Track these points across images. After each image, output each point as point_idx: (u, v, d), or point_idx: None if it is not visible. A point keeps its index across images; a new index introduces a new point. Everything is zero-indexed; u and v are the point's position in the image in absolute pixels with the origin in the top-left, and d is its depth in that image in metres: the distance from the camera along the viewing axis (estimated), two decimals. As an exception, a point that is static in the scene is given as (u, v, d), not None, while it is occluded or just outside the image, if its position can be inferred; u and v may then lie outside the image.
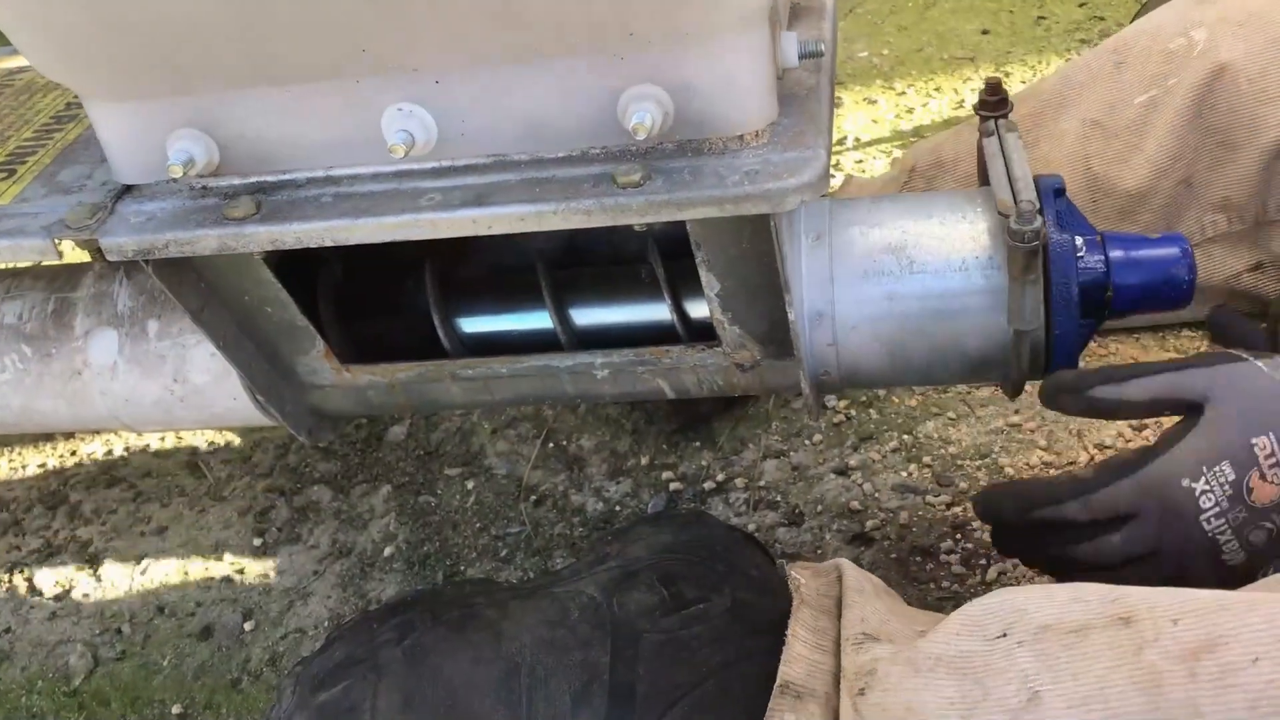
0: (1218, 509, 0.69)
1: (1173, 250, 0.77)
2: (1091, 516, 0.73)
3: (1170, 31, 1.07)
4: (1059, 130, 1.13)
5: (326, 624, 1.04)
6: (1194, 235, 1.09)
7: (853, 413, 1.16)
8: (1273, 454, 0.67)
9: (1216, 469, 0.68)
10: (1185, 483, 0.69)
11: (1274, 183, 1.04)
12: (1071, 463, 1.05)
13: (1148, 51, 1.08)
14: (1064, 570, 0.76)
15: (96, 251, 0.72)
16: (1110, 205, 1.09)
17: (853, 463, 1.10)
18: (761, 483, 1.10)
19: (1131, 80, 1.08)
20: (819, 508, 1.07)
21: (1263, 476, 0.67)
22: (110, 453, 1.28)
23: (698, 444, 1.16)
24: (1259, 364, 0.71)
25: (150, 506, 1.21)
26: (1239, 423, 0.68)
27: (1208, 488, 0.68)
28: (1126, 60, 1.09)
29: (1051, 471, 1.05)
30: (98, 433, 1.30)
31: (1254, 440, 0.68)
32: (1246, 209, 1.06)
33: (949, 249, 0.76)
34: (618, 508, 1.11)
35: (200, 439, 1.28)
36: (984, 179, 0.81)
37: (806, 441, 1.14)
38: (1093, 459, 1.05)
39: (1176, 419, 0.73)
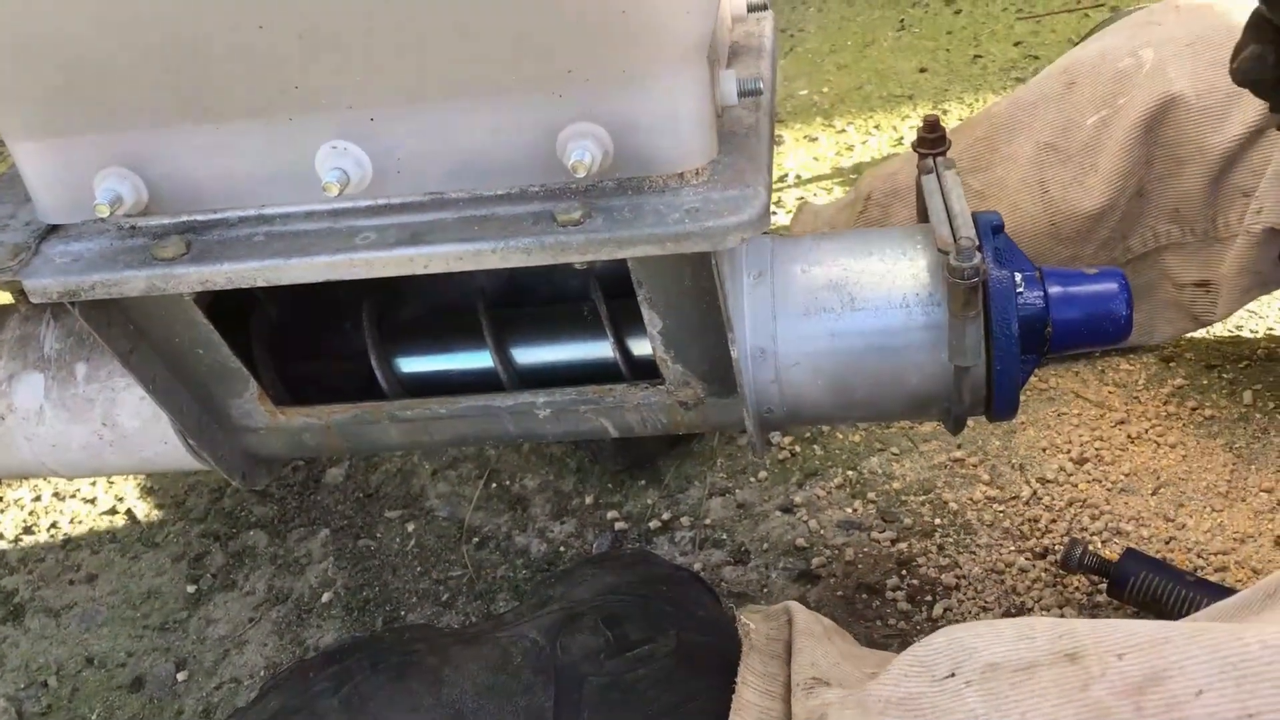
0: None
1: (1110, 286, 0.78)
2: None
3: (1119, 52, 1.09)
4: (1013, 153, 1.14)
5: (262, 673, 1.02)
6: (1148, 242, 1.11)
7: (798, 449, 1.15)
8: None
9: None
10: None
11: (1223, 200, 1.06)
12: (1014, 497, 1.06)
13: (1097, 71, 1.09)
14: None
15: (20, 293, 0.70)
16: (1070, 227, 1.10)
17: (798, 500, 1.10)
18: (707, 521, 1.10)
19: (1082, 100, 1.09)
20: (765, 545, 1.06)
21: None
22: (38, 499, 1.25)
23: (643, 482, 1.15)
24: None
25: (80, 554, 1.17)
26: None
27: None
28: (1077, 81, 1.11)
29: (995, 507, 1.05)
30: (24, 479, 1.26)
31: None
32: (1196, 222, 1.08)
33: (890, 286, 0.76)
34: (562, 549, 1.09)
35: (132, 483, 1.25)
36: (923, 216, 0.81)
37: (752, 479, 1.13)
38: (1034, 493, 1.05)
39: None
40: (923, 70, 1.86)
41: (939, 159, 0.83)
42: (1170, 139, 1.05)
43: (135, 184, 0.68)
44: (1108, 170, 1.07)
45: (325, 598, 1.08)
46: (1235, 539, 0.98)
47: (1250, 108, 1.00)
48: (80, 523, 1.21)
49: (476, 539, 1.11)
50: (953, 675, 0.58)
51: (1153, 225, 1.10)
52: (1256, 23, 0.75)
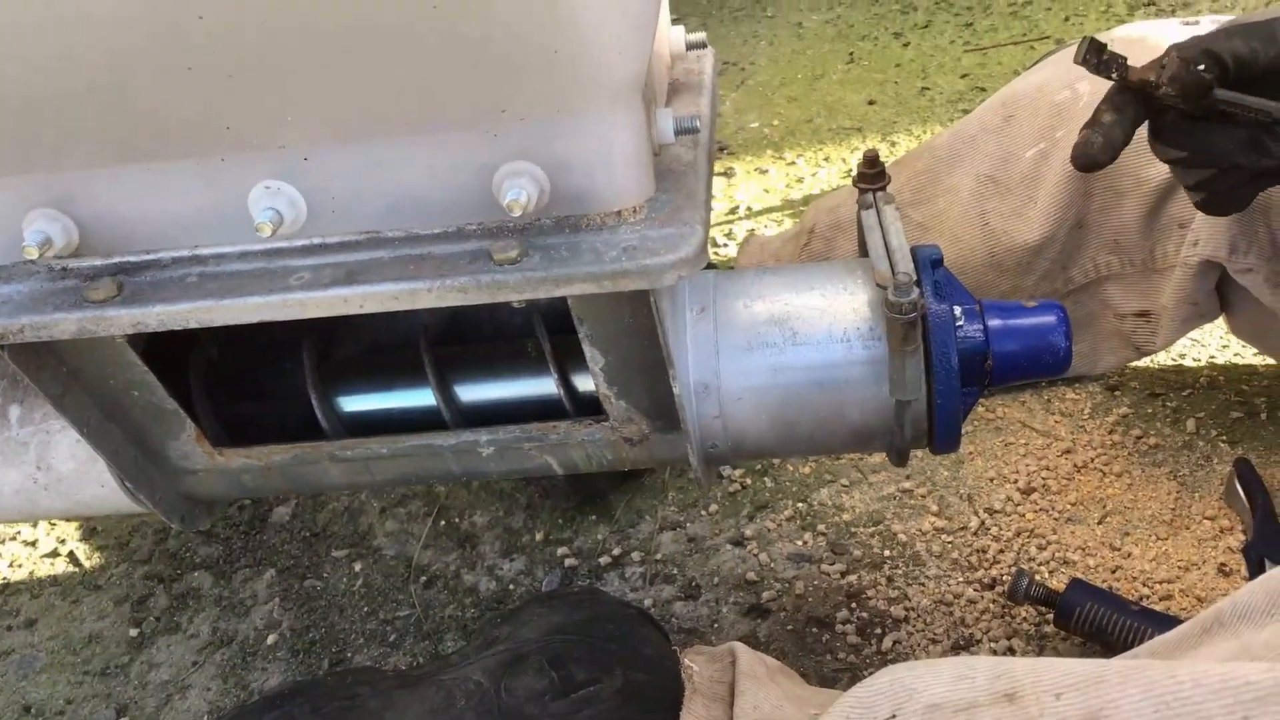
0: None
1: (1049, 318, 0.78)
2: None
3: (1056, 85, 1.10)
4: (953, 185, 1.15)
5: (205, 718, 1.00)
6: (1089, 273, 1.12)
7: (748, 481, 1.15)
8: None
9: None
10: None
11: (1160, 231, 1.07)
12: (962, 528, 1.06)
13: (1035, 104, 1.11)
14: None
15: (-53, 336, 0.68)
16: (1011, 259, 1.11)
17: (749, 532, 1.10)
18: (658, 556, 1.09)
19: (1021, 133, 1.11)
20: (715, 580, 1.06)
21: None
22: (-23, 542, 1.22)
23: (593, 517, 1.14)
24: None
25: (19, 598, 1.15)
26: None
27: None
28: (1015, 114, 1.12)
29: (943, 538, 1.05)
30: (-39, 522, 1.24)
31: None
32: (1135, 253, 1.09)
33: (831, 321, 0.76)
34: (511, 586, 1.08)
35: (74, 526, 1.22)
36: (865, 250, 0.81)
37: (703, 512, 1.13)
38: (982, 524, 1.06)
39: None
40: (871, 103, 1.88)
41: (878, 194, 0.83)
42: (1108, 171, 1.06)
43: (66, 225, 0.67)
44: (1047, 202, 1.08)
45: (271, 639, 1.06)
46: (1180, 567, 0.99)
47: None
48: (20, 566, 1.19)
49: (425, 578, 1.10)
50: (894, 717, 0.58)
51: (1093, 256, 1.11)
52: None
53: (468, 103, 0.62)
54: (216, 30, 0.56)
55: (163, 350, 0.78)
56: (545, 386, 0.84)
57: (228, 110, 0.61)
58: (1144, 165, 1.04)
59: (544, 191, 0.65)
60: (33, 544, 1.21)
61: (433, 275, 0.65)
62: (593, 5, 0.55)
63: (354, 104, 0.61)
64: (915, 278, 0.71)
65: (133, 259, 0.70)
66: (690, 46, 0.86)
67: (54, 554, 1.19)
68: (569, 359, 0.83)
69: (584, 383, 0.84)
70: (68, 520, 1.23)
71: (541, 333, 0.83)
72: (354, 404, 0.86)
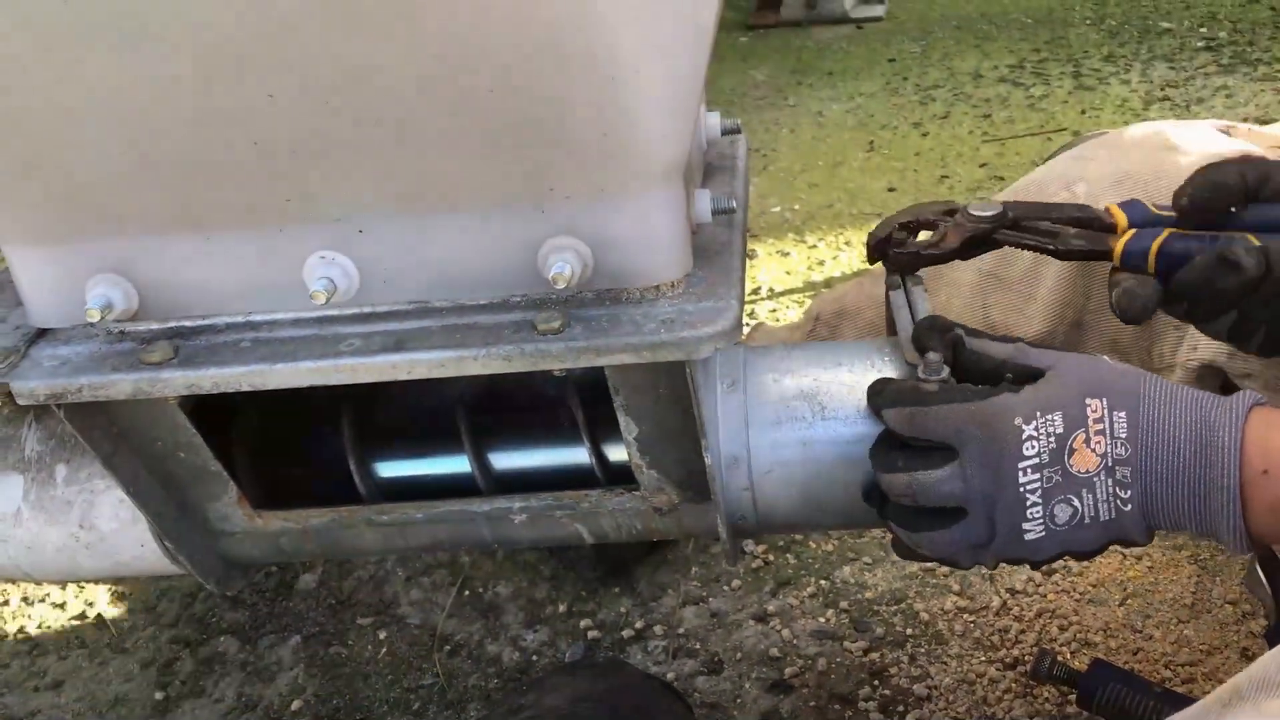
0: (1037, 460, 0.67)
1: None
2: (915, 434, 0.68)
3: (1055, 185, 1.13)
4: (955, 279, 1.17)
5: (229, 783, 1.00)
6: None
7: (771, 557, 1.16)
8: (1102, 419, 0.67)
9: (1049, 417, 0.67)
10: (1016, 421, 0.67)
11: (1157, 333, 1.09)
12: (984, 607, 1.07)
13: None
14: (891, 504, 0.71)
15: (6, 395, 0.71)
16: None
17: (771, 608, 1.10)
18: (680, 630, 1.10)
19: None
20: (738, 655, 1.06)
21: (1087, 440, 0.66)
22: (6, 602, 1.23)
23: (617, 590, 1.15)
24: (1105, 357, 0.72)
25: (46, 659, 1.16)
26: (1078, 383, 0.68)
27: (1035, 434, 0.66)
28: None
29: (965, 617, 1.06)
30: (-6, 582, 1.25)
31: (1089, 401, 0.67)
32: (1133, 353, 1.11)
33: (859, 396, 0.77)
34: (534, 657, 1.09)
35: (103, 589, 1.24)
36: (892, 329, 0.83)
37: (725, 587, 1.14)
38: (1004, 604, 1.06)
39: None
40: (891, 189, 1.92)
41: (908, 275, 0.86)
42: (1105, 272, 1.08)
43: (126, 290, 0.70)
44: (1046, 299, 1.10)
45: (295, 705, 1.06)
46: (1202, 650, 0.99)
47: None
48: (48, 627, 1.20)
49: (448, 647, 1.11)
50: None
51: (1093, 354, 1.13)
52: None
53: (518, 180, 0.65)
54: (285, 109, 0.59)
55: (206, 413, 0.80)
56: (578, 456, 0.86)
57: (289, 184, 0.64)
58: None
59: (587, 266, 0.68)
60: (61, 606, 1.22)
61: (479, 343, 0.67)
62: (643, 92, 0.59)
63: (410, 180, 0.64)
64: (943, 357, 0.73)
65: (188, 323, 0.72)
66: (725, 132, 0.90)
67: (82, 616, 1.21)
68: (601, 429, 0.84)
69: (615, 453, 0.86)
70: (102, 581, 1.24)
71: (575, 402, 0.85)
72: (391, 469, 0.88)
